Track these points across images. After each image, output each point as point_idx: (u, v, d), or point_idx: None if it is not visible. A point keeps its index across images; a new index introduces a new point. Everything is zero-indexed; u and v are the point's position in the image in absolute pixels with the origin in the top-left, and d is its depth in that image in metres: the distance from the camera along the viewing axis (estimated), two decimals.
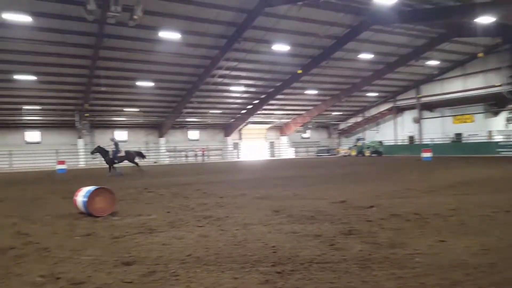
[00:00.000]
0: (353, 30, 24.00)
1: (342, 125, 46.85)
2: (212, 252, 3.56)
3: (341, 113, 44.17)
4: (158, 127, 36.28)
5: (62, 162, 22.28)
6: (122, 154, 16.39)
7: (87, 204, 5.50)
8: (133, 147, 34.64)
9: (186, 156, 37.13)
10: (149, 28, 20.41)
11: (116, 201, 5.99)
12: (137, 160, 17.21)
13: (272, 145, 43.79)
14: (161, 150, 36.35)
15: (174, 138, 37.47)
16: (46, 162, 28.98)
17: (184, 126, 37.53)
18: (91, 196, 5.55)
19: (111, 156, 16.06)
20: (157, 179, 13.47)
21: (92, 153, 16.57)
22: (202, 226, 4.80)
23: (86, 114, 29.89)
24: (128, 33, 20.70)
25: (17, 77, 23.91)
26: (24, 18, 18.02)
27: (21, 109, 28.96)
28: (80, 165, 30.72)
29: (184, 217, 5.43)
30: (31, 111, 30.05)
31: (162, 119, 34.89)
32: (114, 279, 2.88)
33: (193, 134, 39.13)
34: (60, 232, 4.73)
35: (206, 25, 21.56)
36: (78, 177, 16.08)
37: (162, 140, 36.57)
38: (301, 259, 3.26)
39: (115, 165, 16.57)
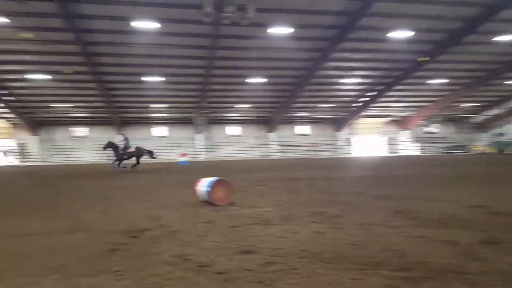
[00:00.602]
0: (489, 10, 20.79)
1: (477, 118, 41.15)
2: (329, 250, 3.52)
3: (475, 104, 38.85)
4: (268, 122, 37.60)
5: (184, 155, 25.08)
6: (132, 150, 17.11)
7: (209, 193, 6.06)
8: (245, 142, 37.19)
9: (296, 151, 37.66)
10: (260, 25, 21.30)
11: (233, 192, 6.44)
12: (145, 157, 17.72)
13: (390, 140, 41.12)
14: (271, 145, 37.61)
15: (284, 133, 38.35)
16: (171, 155, 33.00)
17: (293, 121, 38.07)
18: (213, 186, 6.09)
19: (121, 152, 16.85)
20: (268, 173, 14.00)
21: (104, 148, 17.32)
22: (316, 222, 4.78)
23: (203, 111, 32.91)
24: (240, 32, 21.96)
25: (144, 78, 27.71)
26: (152, 25, 20.72)
27: (147, 107, 33.54)
28: (199, 158, 33.97)
29: (297, 212, 5.50)
30: (157, 109, 34.49)
31: (272, 114, 36.02)
32: (235, 265, 3.09)
33: (303, 129, 39.38)
34: (185, 217, 5.29)
35: (316, 17, 21.43)
36: (197, 169, 17.76)
37: (272, 135, 37.78)
38: (432, 266, 2.98)
39: (124, 161, 17.19)
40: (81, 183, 11.83)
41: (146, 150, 17.76)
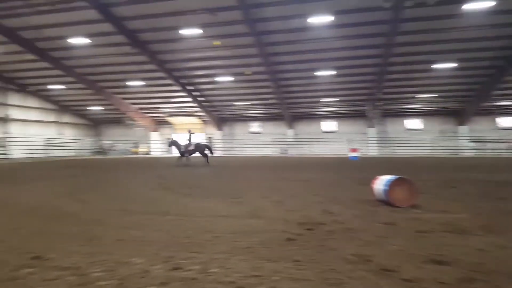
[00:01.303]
0: None
1: None
2: None
3: None
4: (456, 114, 33.23)
5: (354, 150, 24.73)
6: (192, 147, 18.68)
7: (388, 193, 5.75)
8: (427, 136, 33.82)
9: (497, 148, 32.10)
10: (451, 3, 18.92)
11: (417, 193, 5.92)
12: (207, 152, 19.19)
13: None
14: (461, 140, 33.18)
15: (479, 127, 33.13)
16: (340, 149, 33.26)
17: (494, 112, 32.43)
18: (392, 185, 5.75)
19: (182, 149, 18.53)
20: (459, 173, 12.28)
21: (169, 146, 19.55)
22: None
23: (378, 103, 31.58)
24: (425, 14, 19.97)
25: (317, 73, 28.45)
26: (326, 19, 21.05)
27: (318, 101, 34.42)
28: (370, 153, 32.94)
29: (505, 223, 4.66)
30: (326, 103, 35.06)
31: (463, 105, 31.60)
32: (426, 275, 2.82)
33: (507, 121, 33.18)
34: (362, 216, 5.17)
35: None
36: (369, 165, 17.15)
37: (463, 129, 33.26)
38: None
39: (187, 157, 18.78)
40: (255, 174, 13.10)
41: (205, 146, 19.68)
